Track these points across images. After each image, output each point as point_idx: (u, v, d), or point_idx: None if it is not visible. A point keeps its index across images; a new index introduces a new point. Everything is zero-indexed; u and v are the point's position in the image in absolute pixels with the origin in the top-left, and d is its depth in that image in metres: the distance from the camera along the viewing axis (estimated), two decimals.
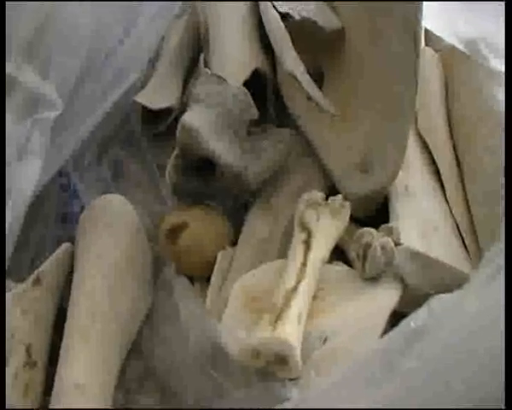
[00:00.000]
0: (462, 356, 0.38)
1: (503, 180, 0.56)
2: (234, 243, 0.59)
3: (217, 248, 0.58)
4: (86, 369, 0.49)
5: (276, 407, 0.41)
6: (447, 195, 0.58)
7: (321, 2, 0.64)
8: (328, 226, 0.54)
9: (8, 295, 0.52)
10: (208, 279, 0.57)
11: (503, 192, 0.55)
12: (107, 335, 0.51)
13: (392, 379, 0.39)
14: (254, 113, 0.60)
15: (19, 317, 0.51)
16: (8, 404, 0.47)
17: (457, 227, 0.57)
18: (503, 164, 0.56)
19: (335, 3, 0.64)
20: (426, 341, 0.39)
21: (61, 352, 0.50)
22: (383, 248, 0.51)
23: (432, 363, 0.39)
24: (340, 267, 0.54)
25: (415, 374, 0.39)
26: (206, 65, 0.66)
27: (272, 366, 0.46)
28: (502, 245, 0.39)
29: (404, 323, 0.40)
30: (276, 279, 0.51)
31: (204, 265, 0.58)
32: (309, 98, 0.60)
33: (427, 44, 0.69)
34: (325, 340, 0.49)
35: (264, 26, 0.67)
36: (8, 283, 0.53)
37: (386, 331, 0.44)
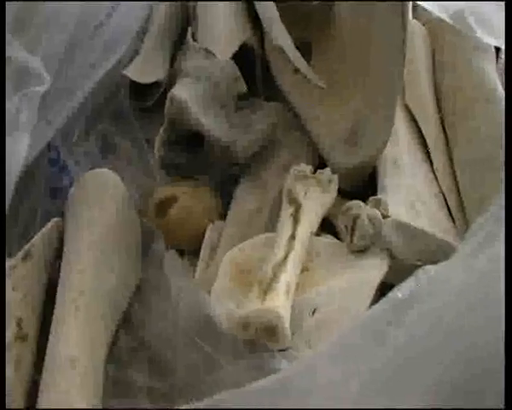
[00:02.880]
0: (450, 327, 0.38)
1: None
2: (223, 217, 0.59)
3: (206, 221, 0.58)
4: (77, 342, 0.49)
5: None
6: (434, 167, 0.59)
7: None
8: (316, 199, 0.54)
9: None
10: (198, 252, 0.57)
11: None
12: (96, 309, 0.51)
13: (379, 350, 0.39)
14: (242, 87, 0.60)
15: (9, 291, 0.51)
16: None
17: (444, 199, 0.57)
18: (494, 133, 0.57)
19: None
20: (413, 311, 0.39)
21: (52, 326, 0.50)
22: (371, 220, 0.52)
23: (419, 333, 0.39)
24: (328, 240, 0.55)
25: (402, 344, 0.39)
26: (195, 39, 0.66)
27: (262, 338, 0.46)
28: (488, 215, 0.39)
29: (391, 293, 0.40)
30: (264, 252, 0.51)
31: (193, 238, 0.58)
32: (296, 71, 0.61)
33: (414, 17, 0.69)
34: (314, 311, 0.49)
35: (252, 0, 0.67)
36: None
37: (374, 303, 0.45)
